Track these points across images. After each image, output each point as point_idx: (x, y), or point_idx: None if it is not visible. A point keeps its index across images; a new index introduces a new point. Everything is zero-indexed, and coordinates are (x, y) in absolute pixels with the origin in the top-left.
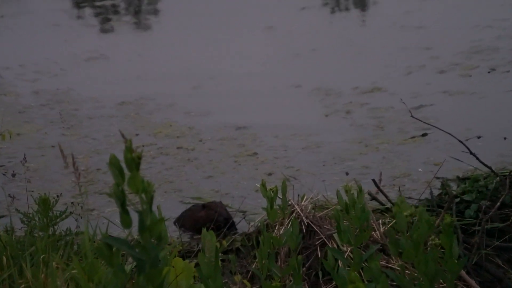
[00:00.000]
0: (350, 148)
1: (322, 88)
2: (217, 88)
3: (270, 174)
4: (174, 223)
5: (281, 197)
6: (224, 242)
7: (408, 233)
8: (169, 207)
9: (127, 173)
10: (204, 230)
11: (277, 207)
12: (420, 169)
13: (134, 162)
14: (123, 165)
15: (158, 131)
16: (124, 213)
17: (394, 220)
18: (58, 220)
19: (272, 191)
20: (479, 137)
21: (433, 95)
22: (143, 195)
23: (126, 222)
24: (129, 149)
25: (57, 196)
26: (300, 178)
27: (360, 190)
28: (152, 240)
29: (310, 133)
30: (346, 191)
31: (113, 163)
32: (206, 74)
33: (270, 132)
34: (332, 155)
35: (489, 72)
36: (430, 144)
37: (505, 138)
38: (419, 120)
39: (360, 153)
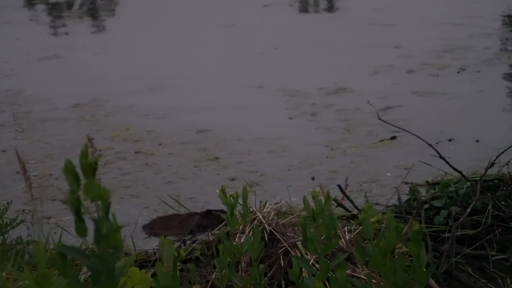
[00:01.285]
0: (316, 151)
1: (285, 89)
2: (175, 89)
3: (233, 179)
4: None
5: (242, 203)
6: (182, 251)
7: (375, 241)
8: (128, 214)
9: (83, 179)
10: (162, 238)
11: (238, 214)
12: (389, 174)
13: (91, 168)
14: (79, 170)
15: (115, 135)
16: (79, 221)
17: (361, 227)
18: (9, 228)
19: (233, 198)
20: (450, 140)
21: (401, 95)
22: (99, 203)
23: (81, 230)
24: (85, 154)
25: (7, 203)
26: (265, 183)
27: (328, 196)
28: (108, 250)
29: (275, 136)
30: (313, 197)
31: (68, 169)
32: (164, 74)
33: (233, 135)
34: (298, 159)
35: (458, 72)
36: (401, 148)
37: (477, 141)
38: (387, 122)
39: (327, 156)
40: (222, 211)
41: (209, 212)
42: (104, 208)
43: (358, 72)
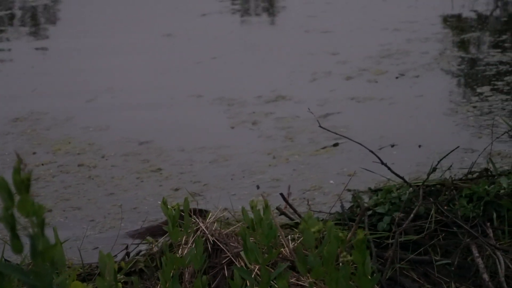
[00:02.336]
0: (259, 160)
1: (224, 98)
2: (114, 101)
3: (176, 190)
4: None
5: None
6: (123, 264)
7: (317, 250)
8: (72, 226)
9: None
10: (101, 252)
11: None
12: (332, 181)
13: (23, 184)
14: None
15: (57, 148)
16: (15, 238)
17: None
18: None
19: (174, 209)
20: (392, 146)
21: (340, 102)
22: (33, 219)
23: (17, 247)
24: (17, 171)
25: None
26: (208, 193)
27: (267, 206)
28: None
29: (217, 146)
30: (252, 207)
31: (1, 186)
32: (103, 86)
33: (175, 145)
34: (241, 168)
35: (397, 78)
36: (343, 154)
37: (420, 146)
38: (328, 130)
39: (270, 165)
40: (206, 211)
41: (200, 211)
42: (38, 224)
43: (296, 80)
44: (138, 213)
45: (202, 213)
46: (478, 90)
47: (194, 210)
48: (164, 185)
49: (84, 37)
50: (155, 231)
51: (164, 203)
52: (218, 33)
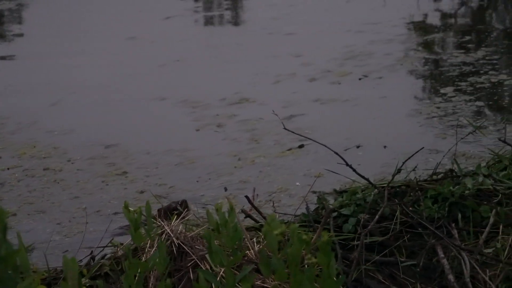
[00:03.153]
0: (225, 162)
1: (188, 100)
2: (79, 104)
3: (142, 192)
4: None
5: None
6: (84, 270)
7: (281, 252)
8: (37, 230)
9: None
10: (65, 256)
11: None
12: (298, 183)
13: None
14: None
15: (22, 152)
16: None
17: None
18: None
19: (136, 213)
20: (358, 147)
21: (304, 104)
22: None
23: None
24: None
25: None
26: (174, 196)
27: (232, 208)
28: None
29: (183, 149)
30: (217, 210)
31: None
32: (67, 89)
33: (141, 148)
34: (207, 171)
35: (360, 79)
36: (309, 156)
37: (385, 147)
38: (293, 132)
39: (235, 167)
40: (184, 202)
41: (182, 202)
42: (0, 229)
43: (260, 82)
44: (101, 216)
45: (184, 205)
46: (442, 91)
47: (178, 202)
48: (129, 188)
49: (48, 41)
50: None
51: (126, 207)
52: (182, 35)
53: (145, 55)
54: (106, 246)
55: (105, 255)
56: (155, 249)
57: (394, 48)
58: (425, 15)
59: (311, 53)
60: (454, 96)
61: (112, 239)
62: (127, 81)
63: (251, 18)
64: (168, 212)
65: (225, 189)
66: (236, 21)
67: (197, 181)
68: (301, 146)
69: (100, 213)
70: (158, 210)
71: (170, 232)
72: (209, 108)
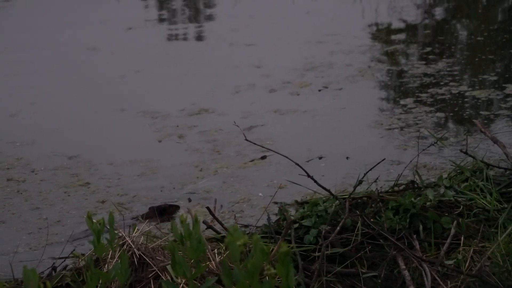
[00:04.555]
0: (188, 172)
1: (147, 111)
2: (39, 115)
3: (103, 202)
4: None
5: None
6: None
7: (242, 263)
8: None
9: None
10: (25, 267)
11: (106, 240)
12: (260, 194)
13: None
14: None
15: None
16: None
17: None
18: None
19: (99, 223)
20: (320, 158)
21: (264, 114)
22: None
23: None
24: None
25: None
26: (136, 206)
27: (196, 220)
28: None
29: (146, 159)
30: (181, 222)
31: None
32: (26, 100)
33: (104, 159)
34: (169, 180)
35: (319, 90)
36: (272, 167)
37: (347, 158)
38: (255, 143)
39: (197, 177)
40: (177, 206)
41: (170, 207)
42: None
43: (219, 93)
44: (62, 226)
45: (172, 209)
46: (402, 102)
47: (166, 205)
48: (91, 198)
49: (7, 51)
50: (163, 210)
51: (89, 217)
52: (143, 46)
53: (105, 65)
54: (68, 257)
55: (67, 266)
56: (117, 260)
57: (355, 59)
58: (387, 26)
59: (271, 64)
60: (414, 107)
61: (74, 250)
62: (87, 91)
63: (212, 29)
64: (158, 212)
65: (189, 200)
66: (197, 32)
67: (161, 191)
68: (263, 157)
69: (61, 223)
70: (150, 208)
71: (131, 243)
72: (169, 119)
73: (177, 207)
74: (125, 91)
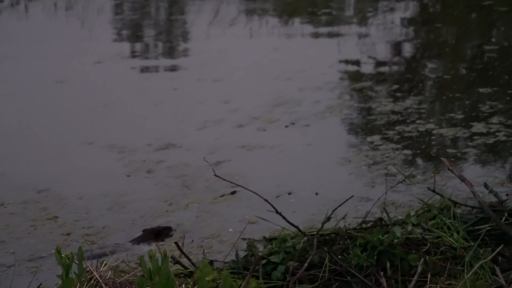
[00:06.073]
0: (157, 207)
1: (115, 145)
2: (6, 147)
3: (68, 234)
4: None
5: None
6: None
7: None
8: None
9: None
10: None
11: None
12: (231, 229)
13: None
14: None
15: None
16: None
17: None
18: None
19: (68, 258)
20: (289, 194)
21: (230, 150)
22: None
23: None
24: None
25: None
26: (103, 241)
27: (165, 256)
28: None
29: (117, 193)
30: (150, 257)
31: None
32: None
33: (74, 193)
34: (140, 214)
35: (287, 127)
36: (242, 202)
37: (317, 194)
38: (223, 179)
39: (167, 210)
40: (170, 229)
41: (164, 229)
42: None
43: (186, 127)
44: (29, 261)
45: (166, 230)
46: (369, 139)
47: (160, 228)
48: (58, 232)
49: None
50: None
51: (58, 251)
52: (111, 80)
53: (73, 99)
54: None
55: None
56: None
57: (323, 95)
58: (355, 63)
59: (239, 100)
60: (381, 145)
61: (41, 284)
62: (54, 125)
63: (182, 64)
64: (154, 234)
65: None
66: (166, 67)
67: (132, 223)
68: (233, 192)
69: (28, 258)
70: (143, 231)
71: (98, 278)
72: (136, 153)
73: (170, 229)
74: (92, 124)
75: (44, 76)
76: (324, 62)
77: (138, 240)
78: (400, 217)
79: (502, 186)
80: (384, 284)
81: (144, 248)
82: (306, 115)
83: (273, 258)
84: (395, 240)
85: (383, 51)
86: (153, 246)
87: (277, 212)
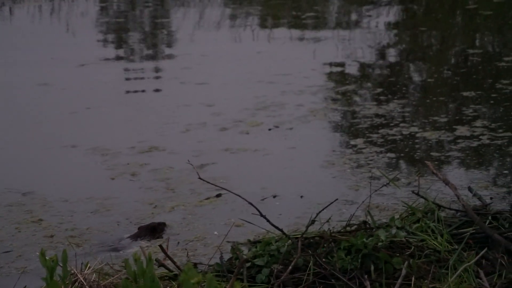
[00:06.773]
0: (142, 209)
1: (98, 148)
2: None
3: (52, 236)
4: None
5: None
6: None
7: None
8: None
9: None
10: None
11: (59, 277)
12: (216, 232)
13: None
14: None
15: None
16: None
17: None
18: None
19: (52, 260)
20: (274, 197)
21: (214, 153)
22: None
23: None
24: None
25: None
26: (87, 244)
27: (150, 259)
28: None
29: (101, 196)
30: (135, 260)
31: None
32: None
33: (59, 196)
34: (125, 216)
35: (270, 130)
36: (227, 205)
37: (301, 197)
38: (208, 182)
39: (152, 213)
40: (165, 224)
41: (159, 224)
42: None
43: (170, 131)
44: (13, 262)
45: (161, 226)
46: (352, 142)
47: (154, 224)
48: (41, 234)
49: None
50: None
51: (42, 254)
52: (94, 83)
53: (56, 102)
54: None
55: None
56: None
57: (306, 99)
58: (339, 66)
59: (222, 103)
60: (364, 148)
61: (25, 287)
62: (38, 128)
63: (166, 67)
64: (149, 231)
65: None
66: (150, 70)
67: (117, 224)
68: (218, 195)
69: (23, 257)
70: (139, 228)
71: (83, 280)
72: (120, 156)
73: (164, 224)
74: (75, 127)
75: (28, 78)
76: (307, 66)
77: (135, 236)
78: (384, 220)
79: (486, 190)
80: (368, 287)
81: (144, 244)
82: (289, 118)
83: (258, 261)
84: (379, 243)
85: (367, 55)
86: (150, 243)
87: (261, 215)
